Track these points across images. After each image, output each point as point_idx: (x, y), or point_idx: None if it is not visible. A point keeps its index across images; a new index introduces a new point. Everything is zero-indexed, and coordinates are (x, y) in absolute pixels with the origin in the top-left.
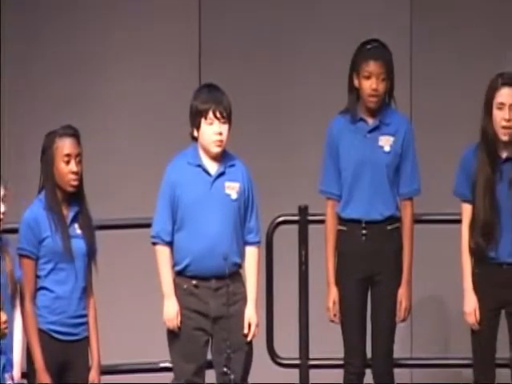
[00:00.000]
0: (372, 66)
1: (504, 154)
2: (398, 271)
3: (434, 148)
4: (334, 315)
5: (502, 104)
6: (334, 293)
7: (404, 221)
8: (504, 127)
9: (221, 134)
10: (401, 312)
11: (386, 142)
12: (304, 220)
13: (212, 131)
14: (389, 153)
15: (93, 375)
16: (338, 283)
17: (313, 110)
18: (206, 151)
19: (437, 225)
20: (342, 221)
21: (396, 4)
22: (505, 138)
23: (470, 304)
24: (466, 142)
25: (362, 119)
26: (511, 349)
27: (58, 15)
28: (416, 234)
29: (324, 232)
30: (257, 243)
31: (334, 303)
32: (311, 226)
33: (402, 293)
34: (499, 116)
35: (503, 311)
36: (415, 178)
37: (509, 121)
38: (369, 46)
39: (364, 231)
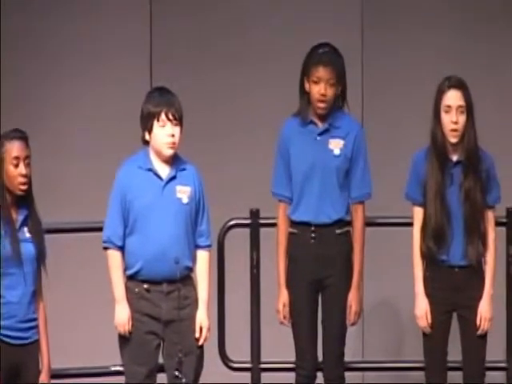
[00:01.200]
0: (321, 72)
1: (454, 158)
2: (348, 275)
3: (385, 151)
4: (284, 317)
5: (448, 107)
6: (284, 295)
7: (355, 224)
8: (452, 130)
9: (173, 135)
10: (351, 316)
11: (335, 146)
12: (255, 223)
13: (164, 133)
14: (338, 156)
15: (43, 378)
16: (288, 286)
17: (264, 115)
18: (158, 154)
19: (388, 228)
20: (292, 223)
21: (347, 6)
22: (454, 140)
23: (422, 307)
24: (417, 146)
25: (312, 122)
26: (463, 352)
27: (8, 15)
28: (368, 237)
29: (275, 235)
30: (208, 247)
31: (284, 306)
32: (263, 230)
33: (351, 296)
34: (447, 119)
35: (455, 314)
36: (366, 181)
37: (456, 123)
38: (320, 51)
39: (313, 234)
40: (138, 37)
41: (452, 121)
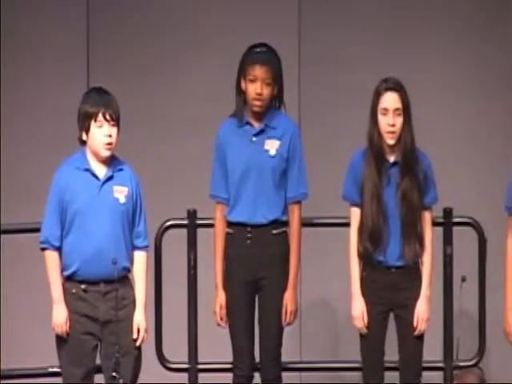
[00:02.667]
0: (257, 70)
1: (391, 159)
2: (284, 275)
3: (322, 151)
4: (221, 319)
5: (386, 109)
6: (221, 297)
7: (291, 224)
8: (389, 132)
9: (110, 136)
10: (286, 316)
11: (271, 146)
12: (192, 224)
13: (102, 134)
14: (274, 156)
15: None
16: (225, 286)
17: (201, 115)
18: (95, 155)
19: (325, 228)
20: (229, 224)
21: (283, 7)
22: (391, 142)
23: (358, 308)
24: (354, 146)
25: (248, 123)
26: (399, 352)
27: None
28: (304, 237)
29: (213, 236)
30: (145, 248)
31: (221, 307)
32: (201, 230)
33: (287, 297)
34: (384, 121)
35: (391, 314)
36: (302, 181)
37: (393, 125)
38: (257, 50)
39: (249, 235)
40: (75, 40)
41: (389, 123)
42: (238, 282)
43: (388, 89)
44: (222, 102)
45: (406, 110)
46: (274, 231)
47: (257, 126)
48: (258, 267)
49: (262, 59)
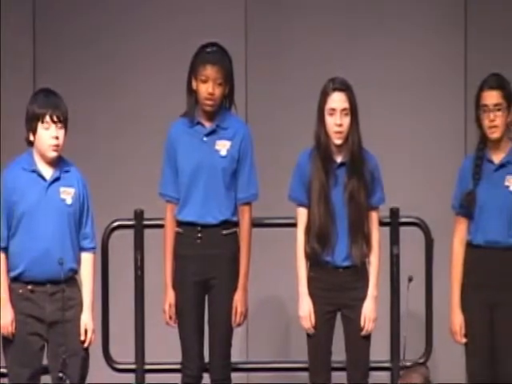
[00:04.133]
0: (209, 70)
1: (338, 159)
2: (234, 276)
3: (270, 152)
4: (170, 318)
5: (333, 109)
6: (170, 296)
7: (241, 225)
8: (336, 132)
9: (57, 138)
10: (236, 317)
11: (222, 146)
12: (139, 225)
13: (49, 135)
14: (225, 157)
15: None
16: (175, 286)
17: (149, 115)
18: (42, 156)
19: (274, 228)
20: (179, 223)
21: (230, 9)
22: (338, 141)
23: (305, 308)
24: (301, 146)
25: (199, 123)
26: (347, 352)
27: None
28: (254, 237)
29: (162, 236)
30: (92, 249)
31: (170, 306)
32: (150, 231)
33: (237, 298)
34: (331, 121)
35: (339, 314)
36: (252, 182)
37: (340, 125)
38: (208, 50)
39: (199, 234)
40: (21, 43)
41: (336, 123)
42: (187, 281)
43: (335, 89)
44: (172, 101)
45: (353, 110)
46: (224, 231)
47: (208, 126)
48: (208, 267)
49: (214, 59)
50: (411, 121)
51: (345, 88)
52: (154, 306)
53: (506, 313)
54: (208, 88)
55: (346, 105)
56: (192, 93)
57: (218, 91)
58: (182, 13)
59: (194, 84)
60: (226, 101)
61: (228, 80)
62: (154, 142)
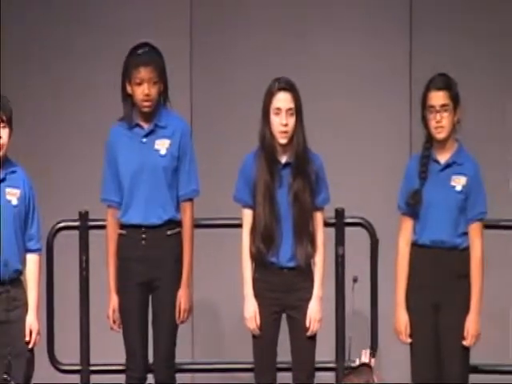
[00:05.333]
0: (143, 72)
1: (283, 159)
2: (178, 276)
3: (215, 152)
4: (114, 322)
5: (278, 109)
6: (114, 300)
7: (184, 222)
8: (281, 132)
9: (0, 138)
10: (180, 314)
11: (162, 146)
12: (84, 225)
13: None
14: (165, 156)
15: None
16: (119, 288)
17: (92, 116)
18: None
19: (219, 229)
20: (123, 226)
21: (175, 4)
22: (283, 141)
23: (250, 309)
24: (247, 147)
25: (137, 124)
26: (292, 352)
27: None
28: (198, 238)
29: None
30: (38, 250)
31: (114, 311)
32: (97, 232)
33: (180, 295)
34: (276, 121)
35: (284, 315)
36: (193, 179)
37: (286, 125)
38: (139, 52)
39: (143, 235)
40: None
41: (282, 123)
42: (131, 283)
43: (281, 89)
44: (114, 104)
45: (298, 110)
46: (169, 232)
47: (146, 127)
48: (152, 268)
49: (146, 60)
50: (356, 121)
51: (290, 88)
52: (100, 306)
53: (451, 313)
54: (144, 90)
55: (292, 105)
56: (127, 96)
57: (153, 91)
58: (127, 11)
59: (128, 88)
60: (161, 98)
61: (162, 77)
62: (100, 143)
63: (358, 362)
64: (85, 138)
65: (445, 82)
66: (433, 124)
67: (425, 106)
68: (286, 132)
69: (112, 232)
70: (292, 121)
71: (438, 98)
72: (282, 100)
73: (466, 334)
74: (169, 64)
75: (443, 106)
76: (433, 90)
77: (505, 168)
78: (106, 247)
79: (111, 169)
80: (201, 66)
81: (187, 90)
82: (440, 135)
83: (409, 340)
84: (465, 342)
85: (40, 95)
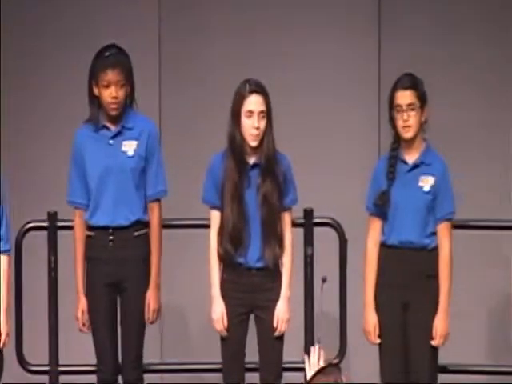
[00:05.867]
0: (110, 75)
1: (251, 160)
2: (146, 277)
3: (183, 152)
4: (83, 325)
5: (250, 112)
6: (82, 302)
7: (151, 223)
8: (253, 135)
9: None
10: (149, 314)
11: (129, 147)
12: (53, 226)
13: None
14: (132, 157)
15: None
16: (87, 290)
17: (61, 117)
18: None
19: (187, 230)
20: (90, 228)
21: (144, 4)
22: (254, 144)
23: (218, 310)
24: (215, 148)
25: (104, 126)
26: (260, 353)
27: None
28: (167, 238)
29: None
30: (6, 251)
31: (83, 313)
32: (64, 233)
33: (149, 295)
34: (248, 123)
35: (252, 316)
36: (161, 179)
37: (258, 128)
38: (106, 54)
39: (111, 237)
40: None
41: (254, 126)
42: (99, 284)
43: (253, 91)
44: (82, 104)
45: (268, 113)
46: (136, 233)
47: (113, 128)
48: (120, 269)
49: (113, 62)
50: (325, 121)
51: (261, 90)
52: (68, 307)
53: (419, 313)
54: (111, 92)
55: (263, 107)
56: (94, 98)
57: (121, 93)
58: (94, 12)
59: (95, 90)
60: (128, 100)
61: (129, 79)
62: (69, 144)
63: (306, 362)
64: (56, 137)
65: (411, 82)
66: (400, 123)
67: (392, 105)
68: (257, 135)
69: (79, 233)
70: (263, 123)
71: (404, 97)
72: (254, 103)
73: (434, 333)
74: (137, 65)
75: (410, 105)
76: (399, 89)
77: (477, 168)
78: (73, 249)
79: (77, 170)
80: (169, 68)
81: (156, 92)
82: (407, 134)
83: (378, 340)
84: (433, 342)
85: (6, 92)
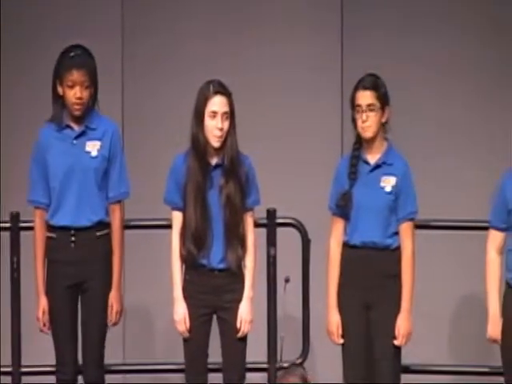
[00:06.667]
0: (75, 75)
1: (214, 161)
2: (108, 277)
3: (146, 153)
4: (44, 325)
5: (214, 113)
6: (43, 303)
7: (113, 224)
8: (217, 136)
9: None
10: (112, 315)
11: (92, 147)
12: (15, 227)
13: None
14: (96, 157)
15: None
16: (48, 291)
17: (28, 117)
18: None
19: (150, 230)
20: (52, 228)
21: (107, 6)
22: (217, 145)
23: (180, 312)
24: (177, 149)
25: (68, 126)
26: (223, 354)
27: None
28: (128, 239)
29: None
30: None
31: (44, 313)
32: (27, 234)
33: (112, 296)
34: (212, 124)
35: (215, 316)
36: (123, 181)
37: (221, 129)
38: (71, 54)
39: (73, 238)
40: None
41: (217, 127)
42: (61, 285)
43: (217, 92)
44: (40, 106)
45: (232, 114)
46: (98, 233)
47: (77, 128)
48: (82, 270)
49: (79, 63)
50: (288, 121)
51: (225, 91)
52: (31, 307)
53: (382, 312)
54: (76, 93)
55: (227, 108)
56: (58, 98)
57: (85, 94)
58: (56, 12)
59: (59, 89)
60: (92, 100)
61: (94, 80)
62: (32, 144)
63: None
64: (17, 138)
65: (372, 82)
66: (359, 123)
67: (353, 105)
68: (221, 136)
69: (40, 234)
70: (226, 124)
71: (364, 97)
72: (218, 104)
73: (397, 333)
74: (100, 66)
75: (369, 105)
76: (360, 89)
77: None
78: (33, 249)
79: (39, 170)
80: (132, 69)
81: (119, 93)
82: (366, 134)
83: (341, 341)
84: (396, 342)
85: None
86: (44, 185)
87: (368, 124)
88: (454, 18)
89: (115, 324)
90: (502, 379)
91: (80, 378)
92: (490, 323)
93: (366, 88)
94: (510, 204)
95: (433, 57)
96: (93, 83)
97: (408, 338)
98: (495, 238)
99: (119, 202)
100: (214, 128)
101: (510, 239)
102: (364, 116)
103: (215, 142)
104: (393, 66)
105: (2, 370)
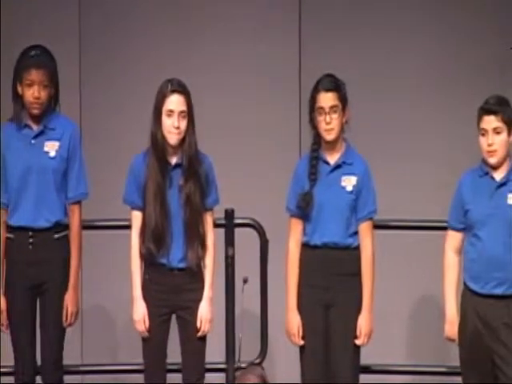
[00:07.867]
0: (34, 75)
1: (173, 160)
2: (66, 278)
3: (105, 154)
4: (2, 325)
5: (171, 111)
6: (2, 302)
7: (71, 225)
8: (173, 134)
9: None
10: (67, 317)
11: (51, 148)
12: None
13: None
14: (54, 158)
15: None
16: (6, 292)
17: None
18: None
19: (108, 231)
20: (10, 229)
21: (64, 4)
22: (173, 142)
23: (139, 312)
24: (136, 148)
25: (27, 125)
26: (182, 353)
27: None
28: (87, 239)
29: None
30: None
31: (2, 312)
32: None
33: (67, 298)
34: (169, 123)
35: (174, 316)
36: (82, 181)
37: (178, 128)
38: (31, 54)
39: (31, 239)
40: None
41: (174, 125)
42: (19, 286)
43: (174, 91)
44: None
45: (190, 113)
46: (56, 235)
47: (35, 128)
48: (40, 272)
49: (38, 63)
50: (246, 121)
51: (183, 90)
52: None
53: (342, 312)
54: (34, 92)
55: (184, 107)
56: (18, 97)
57: (43, 94)
58: (12, 12)
59: (19, 89)
60: (51, 101)
61: (53, 81)
62: None
63: None
64: None
65: (333, 83)
66: (322, 126)
67: (313, 107)
68: (177, 134)
69: (2, 232)
70: (184, 123)
71: (327, 99)
72: (175, 102)
73: (358, 332)
74: (58, 66)
75: (332, 107)
76: (321, 91)
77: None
78: None
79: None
80: (90, 68)
81: (76, 92)
82: (330, 136)
83: (301, 342)
84: (358, 341)
85: None
86: (4, 184)
87: (331, 126)
88: (414, 14)
89: (70, 325)
90: (459, 379)
91: (39, 379)
92: (448, 323)
93: (328, 89)
94: (466, 205)
95: (393, 57)
96: (52, 84)
97: (369, 336)
98: (453, 238)
99: (78, 202)
100: (171, 126)
101: (466, 239)
102: (328, 118)
103: (172, 140)
104: (351, 67)
105: None
